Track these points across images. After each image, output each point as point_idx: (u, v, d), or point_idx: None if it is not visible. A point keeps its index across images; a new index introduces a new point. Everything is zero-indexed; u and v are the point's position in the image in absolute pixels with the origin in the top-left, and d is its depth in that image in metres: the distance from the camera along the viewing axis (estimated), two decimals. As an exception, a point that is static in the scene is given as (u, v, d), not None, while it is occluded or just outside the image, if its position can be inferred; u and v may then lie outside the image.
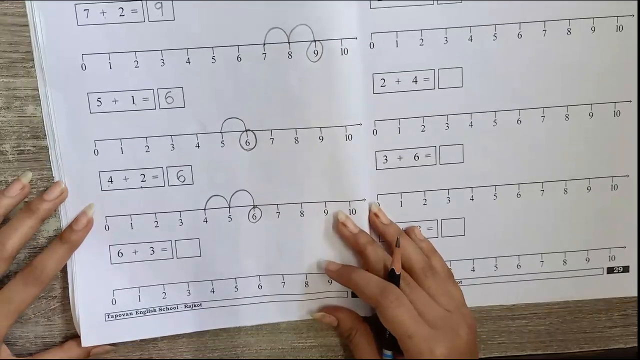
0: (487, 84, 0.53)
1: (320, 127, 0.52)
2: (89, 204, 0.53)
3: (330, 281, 0.55)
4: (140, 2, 0.50)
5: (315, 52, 0.50)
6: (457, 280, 0.57)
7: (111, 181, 0.53)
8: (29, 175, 0.52)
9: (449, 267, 0.56)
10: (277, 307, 0.56)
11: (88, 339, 0.55)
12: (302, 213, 0.54)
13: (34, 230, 0.52)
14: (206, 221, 0.54)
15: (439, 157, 0.54)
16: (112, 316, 0.55)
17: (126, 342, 0.56)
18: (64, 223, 0.53)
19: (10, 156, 0.52)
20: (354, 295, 0.56)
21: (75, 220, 0.53)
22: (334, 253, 0.55)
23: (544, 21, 0.52)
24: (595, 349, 0.60)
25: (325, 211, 0.54)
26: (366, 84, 0.52)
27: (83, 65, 0.51)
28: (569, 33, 0.52)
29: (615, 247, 0.57)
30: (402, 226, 0.56)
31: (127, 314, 0.55)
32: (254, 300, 0.56)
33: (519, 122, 0.54)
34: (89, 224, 0.53)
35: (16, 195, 0.52)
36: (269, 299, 0.56)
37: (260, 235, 0.54)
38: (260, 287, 0.56)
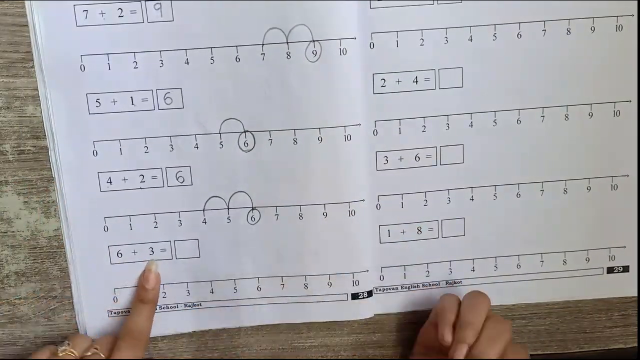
0: (487, 84, 0.53)
1: (319, 128, 0.52)
2: (151, 261, 0.55)
3: (330, 283, 0.55)
4: (139, 2, 0.50)
5: (314, 52, 0.50)
6: (457, 280, 0.57)
7: (110, 182, 0.53)
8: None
9: (449, 267, 0.57)
10: (277, 309, 0.56)
11: (91, 335, 0.56)
12: (300, 216, 0.54)
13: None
14: (205, 222, 0.54)
15: (439, 157, 0.54)
16: (115, 312, 0.56)
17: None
18: (64, 223, 0.53)
19: (10, 156, 0.53)
20: (353, 297, 0.56)
21: (145, 279, 0.54)
22: (333, 255, 0.55)
23: (544, 21, 0.52)
24: (595, 349, 0.60)
25: (325, 213, 0.54)
26: (366, 84, 0.52)
27: (82, 66, 0.51)
28: (568, 33, 0.52)
29: (615, 247, 0.57)
30: (403, 227, 0.56)
31: (129, 311, 0.55)
32: (253, 301, 0.56)
33: (519, 122, 0.54)
34: (158, 279, 0.55)
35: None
36: (268, 300, 0.56)
37: (259, 237, 0.54)
38: (259, 288, 0.56)
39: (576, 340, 0.59)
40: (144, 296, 0.54)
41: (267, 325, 0.57)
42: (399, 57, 0.52)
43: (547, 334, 0.59)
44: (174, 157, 0.53)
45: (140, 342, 0.53)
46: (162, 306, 0.56)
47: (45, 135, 0.52)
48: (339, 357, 0.59)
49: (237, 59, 0.51)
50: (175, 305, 0.56)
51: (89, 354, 0.51)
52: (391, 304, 0.57)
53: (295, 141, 0.52)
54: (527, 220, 0.56)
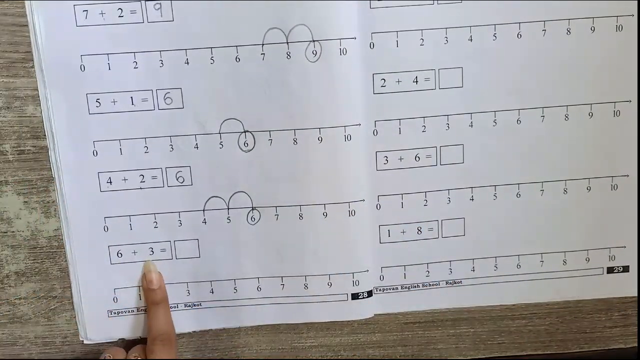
0: (487, 84, 0.53)
1: (319, 128, 0.52)
2: (147, 262, 0.55)
3: (330, 283, 0.55)
4: (139, 2, 0.50)
5: (314, 52, 0.50)
6: (457, 280, 0.57)
7: (110, 182, 0.53)
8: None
9: (449, 267, 0.56)
10: (277, 309, 0.56)
11: (92, 335, 0.56)
12: (300, 216, 0.54)
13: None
14: (205, 222, 0.54)
15: (439, 157, 0.54)
16: (115, 312, 0.56)
17: (128, 340, 0.56)
18: (64, 223, 0.53)
19: (10, 156, 0.53)
20: (353, 297, 0.56)
21: (149, 281, 0.54)
22: (333, 255, 0.55)
23: (544, 21, 0.52)
24: (595, 349, 0.60)
25: (325, 213, 0.54)
26: (366, 84, 0.52)
27: (82, 66, 0.51)
28: (568, 33, 0.52)
29: (615, 247, 0.57)
30: (403, 227, 0.56)
31: (130, 311, 0.56)
32: (253, 301, 0.56)
33: (519, 122, 0.54)
34: (160, 277, 0.55)
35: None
36: (268, 300, 0.56)
37: (259, 237, 0.54)
38: (259, 289, 0.56)
39: (576, 340, 0.59)
40: (154, 297, 0.54)
41: (267, 325, 0.57)
42: (399, 57, 0.52)
43: (547, 334, 0.59)
44: (174, 157, 0.53)
45: (169, 342, 0.53)
46: (162, 306, 0.56)
47: (45, 135, 0.52)
48: (339, 357, 0.59)
49: (237, 59, 0.51)
50: (175, 305, 0.56)
51: None
52: (391, 304, 0.57)
53: (295, 141, 0.52)
54: (527, 220, 0.56)
